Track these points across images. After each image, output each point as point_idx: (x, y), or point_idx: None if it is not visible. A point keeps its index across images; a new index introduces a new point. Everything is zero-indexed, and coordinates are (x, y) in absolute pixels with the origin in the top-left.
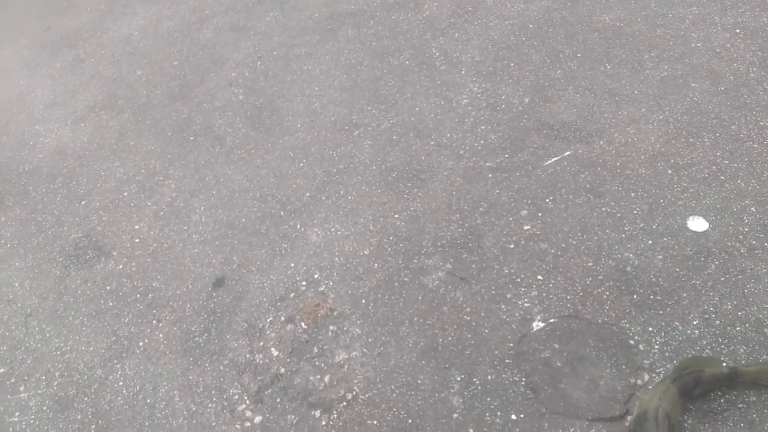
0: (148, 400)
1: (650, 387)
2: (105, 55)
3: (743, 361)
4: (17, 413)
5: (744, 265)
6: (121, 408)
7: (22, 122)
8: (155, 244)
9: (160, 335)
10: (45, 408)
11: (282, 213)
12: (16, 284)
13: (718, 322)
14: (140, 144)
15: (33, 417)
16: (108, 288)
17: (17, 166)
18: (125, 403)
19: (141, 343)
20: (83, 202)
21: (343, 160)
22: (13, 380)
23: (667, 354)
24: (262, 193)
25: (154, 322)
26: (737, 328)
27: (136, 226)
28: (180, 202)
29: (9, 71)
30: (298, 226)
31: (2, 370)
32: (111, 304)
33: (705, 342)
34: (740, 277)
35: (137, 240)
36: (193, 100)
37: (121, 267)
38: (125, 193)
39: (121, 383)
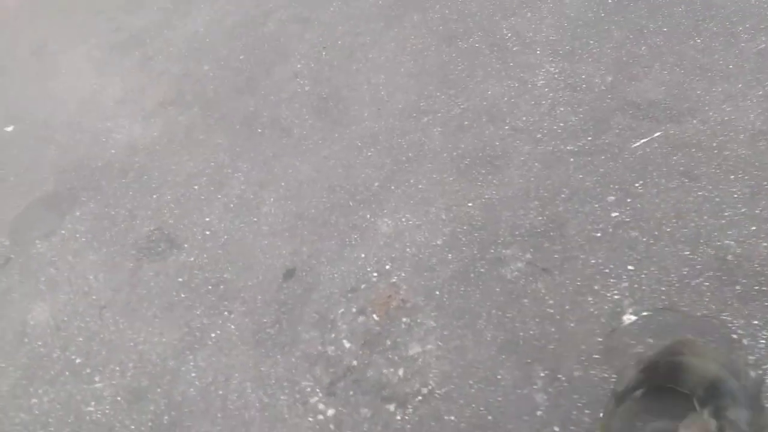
0: (221, 392)
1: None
2: (172, 52)
3: None
4: (93, 402)
5: None
6: (193, 399)
7: (94, 119)
8: (226, 236)
9: (232, 326)
10: (119, 398)
11: (351, 203)
12: (91, 277)
13: None
14: (209, 138)
15: (108, 407)
16: (180, 280)
17: (90, 162)
18: (198, 394)
19: (213, 335)
20: (155, 196)
21: (413, 148)
22: (88, 370)
23: None
24: (330, 184)
25: (226, 313)
26: None
27: (207, 219)
28: (249, 194)
29: (81, 71)
30: (368, 216)
31: (79, 360)
32: (183, 295)
33: None
34: None
35: (208, 232)
36: (260, 93)
37: (192, 259)
38: (196, 187)
39: (193, 374)
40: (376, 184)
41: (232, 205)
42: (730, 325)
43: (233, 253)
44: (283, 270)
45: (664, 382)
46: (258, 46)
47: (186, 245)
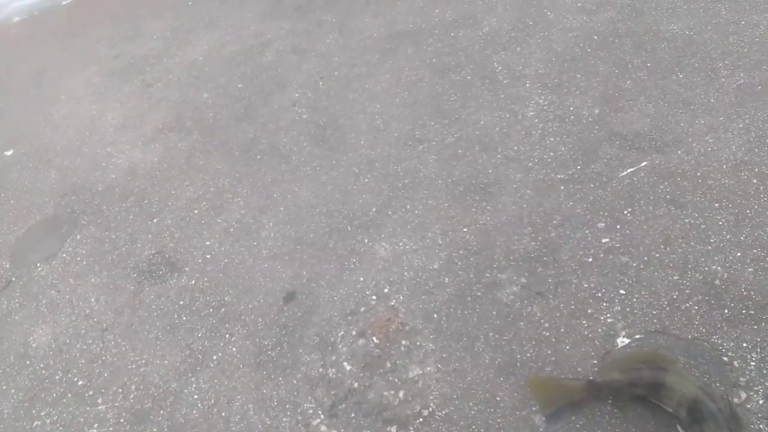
0: (223, 414)
1: (670, 382)
2: (172, 79)
3: None
4: (96, 425)
5: None
6: (196, 421)
7: (94, 145)
8: (226, 260)
9: (234, 349)
10: (122, 420)
11: (349, 228)
12: (92, 299)
13: None
14: (209, 164)
15: (111, 429)
16: (181, 303)
17: (91, 186)
18: (200, 416)
19: (215, 357)
20: (155, 220)
21: (408, 174)
22: (91, 392)
23: (765, 371)
24: (328, 209)
25: (227, 336)
26: None
27: (207, 243)
28: (249, 218)
29: (81, 97)
30: (366, 240)
31: (81, 382)
32: (184, 318)
33: None
34: None
35: (208, 256)
36: (258, 120)
37: (193, 282)
38: (196, 211)
39: (195, 396)
40: (374, 209)
41: (232, 230)
42: (720, 347)
43: (233, 276)
44: (283, 293)
45: (647, 393)
46: (256, 75)
47: (187, 268)
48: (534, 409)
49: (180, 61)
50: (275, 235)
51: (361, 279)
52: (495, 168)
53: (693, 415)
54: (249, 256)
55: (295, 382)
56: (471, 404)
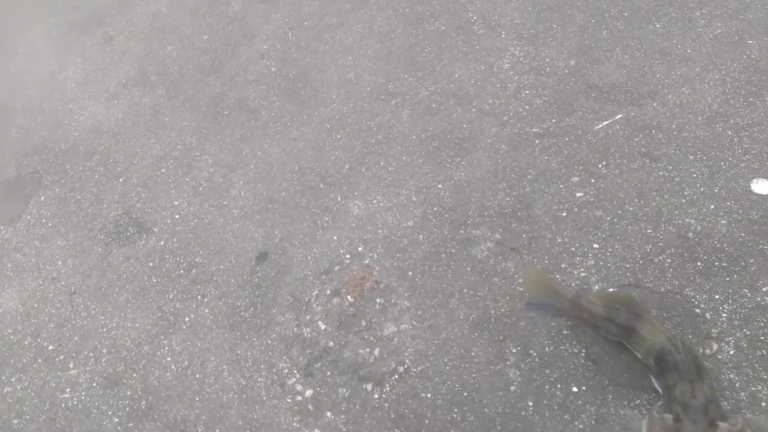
0: (198, 375)
1: (642, 330)
2: (134, 31)
3: None
4: (68, 389)
5: None
6: (170, 383)
7: (56, 101)
8: (196, 220)
9: (206, 310)
10: (95, 384)
11: (322, 186)
12: (59, 263)
13: None
14: (175, 120)
15: (83, 393)
16: (151, 264)
17: (53, 145)
18: (174, 378)
19: (187, 319)
20: (121, 180)
21: (382, 130)
22: (62, 357)
23: (736, 322)
24: (300, 166)
25: (199, 297)
26: None
27: (176, 202)
28: (218, 177)
29: (40, 51)
30: (339, 198)
31: (51, 347)
32: (155, 280)
33: None
34: None
35: (177, 216)
36: (226, 74)
37: (162, 243)
38: (163, 170)
39: (169, 359)
40: (347, 166)
41: (201, 189)
42: (692, 300)
43: (204, 236)
44: (255, 253)
45: (620, 335)
46: (222, 26)
47: (155, 229)
48: (508, 363)
49: (142, 11)
50: (246, 194)
51: (335, 238)
52: (470, 122)
53: (659, 365)
54: (219, 215)
55: (269, 342)
56: (446, 360)
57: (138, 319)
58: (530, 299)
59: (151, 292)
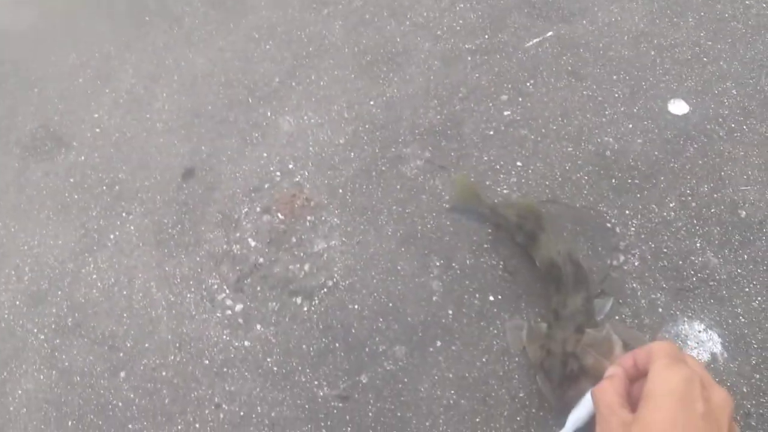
0: (125, 292)
1: (540, 240)
2: None
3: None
4: None
5: (722, 148)
6: (97, 300)
7: None
8: (117, 134)
9: (131, 227)
10: (18, 303)
11: (250, 100)
12: None
13: (694, 204)
14: (92, 26)
15: (6, 312)
16: (72, 180)
17: None
18: (101, 295)
19: (112, 236)
20: (36, 90)
21: (313, 41)
22: None
23: (642, 236)
24: (227, 78)
25: (124, 214)
26: (712, 210)
27: (96, 115)
28: (140, 88)
29: None
30: (269, 113)
31: None
32: (76, 197)
33: (680, 224)
34: (718, 160)
35: (98, 130)
36: None
37: (83, 158)
38: (80, 80)
39: (94, 276)
40: (277, 79)
41: (121, 101)
42: (605, 215)
43: (127, 152)
44: (181, 169)
45: (524, 243)
46: None
47: (75, 143)
48: (431, 275)
49: None
50: (170, 107)
51: (265, 154)
52: (403, 36)
53: (546, 276)
54: (142, 129)
55: (198, 259)
56: (373, 274)
57: (61, 237)
58: (455, 204)
59: (74, 209)
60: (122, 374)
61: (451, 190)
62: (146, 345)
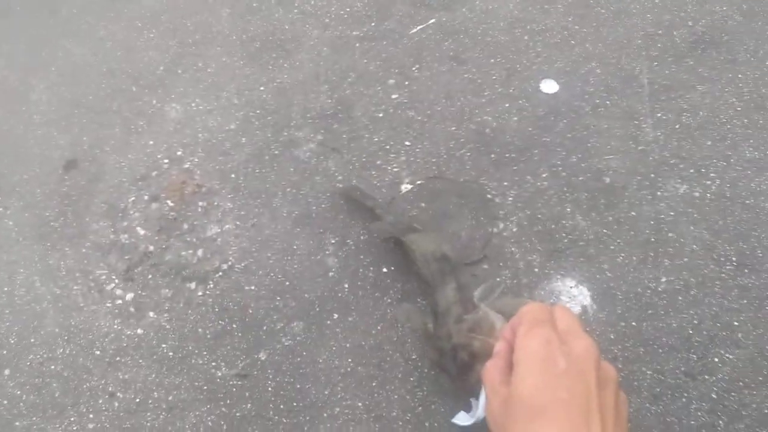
0: (6, 289)
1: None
2: None
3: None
4: None
5: (588, 122)
6: None
7: None
8: None
9: (10, 222)
10: None
11: (134, 88)
12: None
13: (564, 174)
14: None
15: None
16: None
17: None
18: None
19: None
20: None
21: (199, 29)
22: None
23: (519, 204)
24: (109, 68)
25: (1, 209)
26: (580, 178)
27: None
28: (14, 81)
29: None
30: (154, 102)
31: None
32: None
33: (552, 192)
34: (585, 133)
35: None
36: None
37: None
38: None
39: None
40: (161, 68)
41: None
42: (486, 187)
43: (3, 146)
44: (62, 161)
45: (394, 246)
46: None
47: None
48: (327, 252)
49: None
50: (48, 99)
51: (151, 143)
52: (292, 24)
53: (418, 278)
54: (19, 122)
55: (84, 250)
56: (269, 254)
57: None
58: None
59: None
60: (6, 372)
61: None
62: (32, 340)
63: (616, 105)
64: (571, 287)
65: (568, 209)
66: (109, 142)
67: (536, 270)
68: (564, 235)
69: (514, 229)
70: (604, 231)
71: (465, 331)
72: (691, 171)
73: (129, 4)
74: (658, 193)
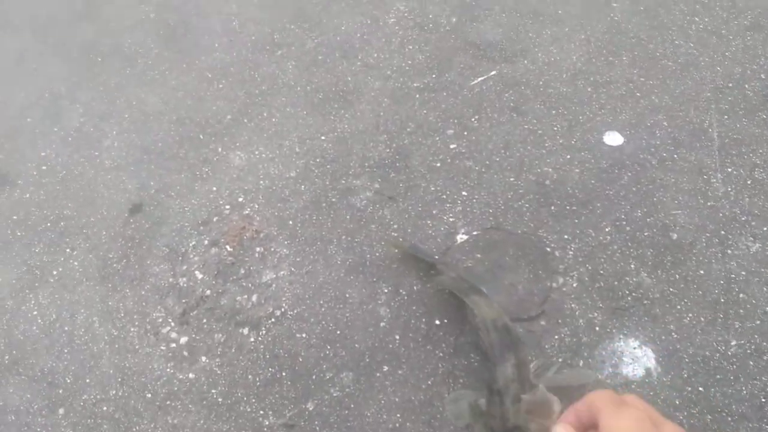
0: (66, 328)
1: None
2: None
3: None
4: None
5: (654, 175)
6: (37, 337)
7: None
8: (64, 171)
9: (75, 263)
10: None
11: (201, 136)
12: None
13: (628, 228)
14: (43, 67)
15: None
16: (15, 218)
17: None
18: (41, 332)
19: (55, 272)
20: None
21: (266, 81)
22: None
23: (580, 259)
24: (179, 116)
25: (68, 250)
26: (646, 234)
27: (43, 153)
28: (89, 127)
29: None
30: (220, 149)
31: None
32: (19, 234)
33: (615, 247)
34: (650, 186)
35: (44, 167)
36: (100, 19)
37: (28, 196)
38: (29, 120)
39: (35, 312)
40: (228, 116)
41: (70, 139)
42: (545, 240)
43: (73, 188)
44: (128, 205)
45: (458, 302)
46: None
47: (20, 181)
48: (379, 302)
49: None
50: (119, 144)
51: (214, 188)
52: (354, 75)
53: (477, 344)
54: (90, 166)
55: (143, 293)
56: (321, 302)
57: (1, 274)
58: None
59: (16, 246)
60: (61, 411)
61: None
62: (87, 380)
63: (683, 159)
64: (634, 348)
65: (632, 266)
66: (175, 187)
67: (597, 328)
68: (627, 292)
69: (575, 285)
70: (671, 290)
71: (523, 412)
72: (764, 229)
73: (200, 56)
74: (729, 251)
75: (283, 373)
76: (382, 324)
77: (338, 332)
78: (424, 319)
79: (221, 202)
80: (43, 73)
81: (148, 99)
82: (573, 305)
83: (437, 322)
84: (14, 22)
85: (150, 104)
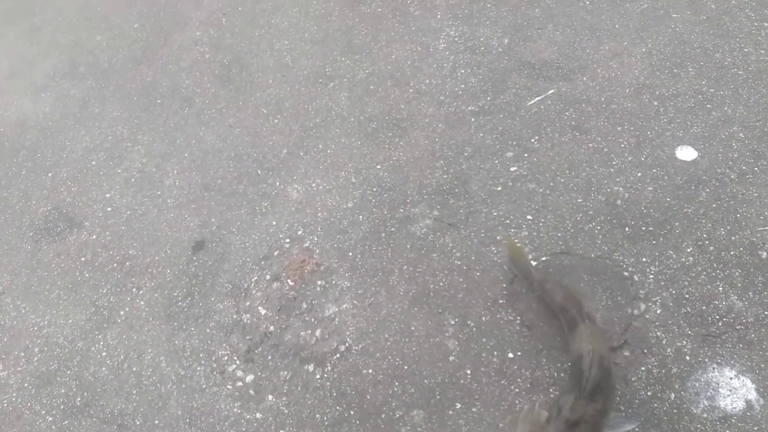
0: (134, 368)
1: (578, 330)
2: (62, 22)
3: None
4: None
5: (735, 190)
6: (106, 378)
7: None
8: (128, 212)
9: (141, 302)
10: (26, 385)
11: (259, 171)
12: None
13: (712, 248)
14: (105, 111)
15: (14, 395)
16: (83, 259)
17: None
18: (110, 372)
19: (122, 312)
20: (50, 174)
21: (320, 113)
22: None
23: (662, 283)
24: (237, 153)
25: (134, 290)
26: (731, 253)
27: (107, 195)
28: (151, 167)
29: None
30: (278, 183)
31: None
32: (87, 275)
33: (700, 268)
34: (732, 202)
35: (109, 209)
36: (158, 62)
37: (94, 237)
38: (93, 162)
39: (104, 353)
40: (285, 151)
41: (133, 180)
42: (621, 264)
43: (137, 228)
44: (191, 242)
45: (564, 325)
46: (154, 14)
47: (86, 223)
48: (447, 334)
49: (71, 1)
50: (180, 183)
51: (274, 223)
52: (407, 103)
53: (572, 368)
54: (153, 206)
55: (208, 330)
56: (386, 336)
57: (71, 316)
58: (510, 265)
59: (84, 288)
60: None
61: (505, 250)
62: (156, 422)
63: (765, 171)
64: (730, 378)
65: (720, 288)
66: (236, 223)
67: (687, 358)
68: (717, 317)
69: (659, 311)
70: (766, 313)
71: None
72: None
73: (255, 93)
74: None
75: (351, 412)
76: (451, 358)
77: (405, 367)
78: (495, 352)
79: (281, 236)
80: (105, 117)
81: (206, 137)
82: (658, 333)
83: (510, 355)
84: (78, 70)
85: (208, 142)
